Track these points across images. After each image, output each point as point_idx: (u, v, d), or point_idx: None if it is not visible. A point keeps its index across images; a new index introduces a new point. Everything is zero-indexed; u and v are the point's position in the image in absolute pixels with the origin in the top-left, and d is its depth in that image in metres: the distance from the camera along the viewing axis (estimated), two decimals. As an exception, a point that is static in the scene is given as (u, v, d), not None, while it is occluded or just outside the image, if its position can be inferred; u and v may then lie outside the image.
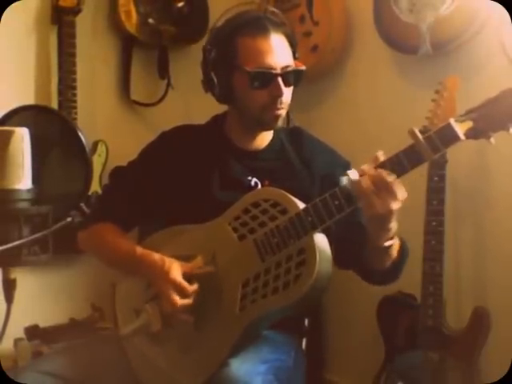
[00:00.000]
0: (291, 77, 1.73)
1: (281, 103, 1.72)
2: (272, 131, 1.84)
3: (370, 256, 1.65)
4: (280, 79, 1.70)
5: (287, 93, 1.73)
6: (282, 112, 1.75)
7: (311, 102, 2.79)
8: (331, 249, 1.57)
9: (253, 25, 1.72)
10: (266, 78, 1.70)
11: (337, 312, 2.79)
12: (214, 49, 1.74)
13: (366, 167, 1.48)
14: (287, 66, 1.72)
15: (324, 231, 1.55)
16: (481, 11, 2.16)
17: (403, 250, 1.67)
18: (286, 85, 1.72)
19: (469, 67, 2.26)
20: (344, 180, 1.49)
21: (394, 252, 1.63)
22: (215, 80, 1.74)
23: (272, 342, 1.72)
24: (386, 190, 1.45)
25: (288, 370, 1.72)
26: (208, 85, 1.77)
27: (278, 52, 1.71)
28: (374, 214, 1.48)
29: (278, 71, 1.70)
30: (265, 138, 1.84)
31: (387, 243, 1.57)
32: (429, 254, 2.10)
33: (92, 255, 1.93)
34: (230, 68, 1.73)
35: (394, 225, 1.54)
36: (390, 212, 1.47)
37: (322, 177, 1.79)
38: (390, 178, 1.45)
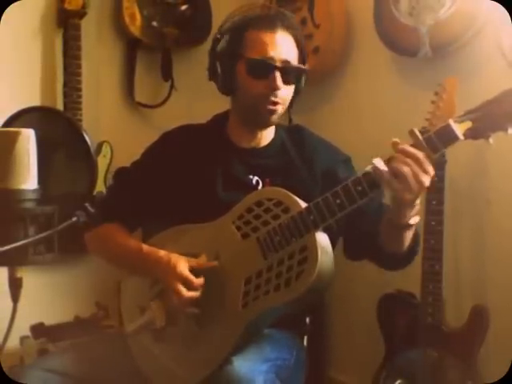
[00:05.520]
0: (291, 74, 1.73)
1: (276, 96, 1.72)
2: (273, 130, 1.85)
3: (388, 241, 1.65)
4: (278, 73, 1.71)
5: (286, 90, 1.74)
6: (278, 108, 1.74)
7: (312, 103, 2.79)
8: (341, 242, 1.58)
9: (263, 20, 1.76)
10: (265, 68, 1.71)
11: (338, 310, 2.80)
12: (222, 38, 1.77)
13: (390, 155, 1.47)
14: (288, 62, 1.73)
15: (326, 228, 1.56)
16: (480, 14, 2.17)
17: (416, 235, 1.67)
18: (285, 81, 1.72)
19: (468, 69, 2.27)
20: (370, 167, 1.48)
21: (411, 234, 1.63)
22: (219, 68, 1.76)
23: (274, 341, 1.73)
24: (420, 166, 1.44)
25: (290, 368, 1.73)
26: (212, 73, 1.80)
27: (282, 47, 1.72)
28: (409, 191, 1.46)
29: (278, 64, 1.71)
30: (266, 137, 1.84)
31: (413, 220, 1.57)
32: (428, 252, 2.10)
33: (99, 256, 1.94)
34: (234, 57, 1.75)
35: (418, 201, 1.53)
36: (423, 188, 1.46)
37: (323, 173, 1.79)
38: (420, 154, 1.44)
